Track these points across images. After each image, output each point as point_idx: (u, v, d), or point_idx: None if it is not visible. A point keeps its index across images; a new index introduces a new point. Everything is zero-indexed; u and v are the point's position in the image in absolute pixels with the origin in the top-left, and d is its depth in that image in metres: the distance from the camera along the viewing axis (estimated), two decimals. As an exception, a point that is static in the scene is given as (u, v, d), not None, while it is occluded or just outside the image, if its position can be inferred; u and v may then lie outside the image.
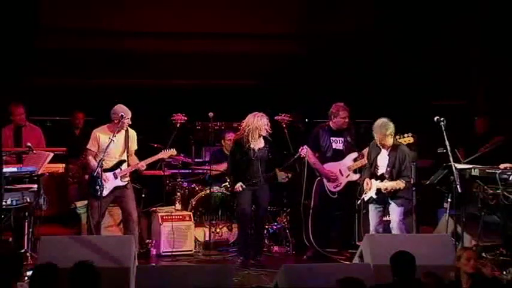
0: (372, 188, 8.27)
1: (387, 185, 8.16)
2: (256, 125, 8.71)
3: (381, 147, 8.30)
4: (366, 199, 8.39)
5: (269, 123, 8.84)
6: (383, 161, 8.30)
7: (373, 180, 8.28)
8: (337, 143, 9.31)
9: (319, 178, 9.25)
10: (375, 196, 8.27)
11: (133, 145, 8.68)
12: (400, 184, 8.12)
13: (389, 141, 8.24)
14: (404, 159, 8.20)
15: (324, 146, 9.28)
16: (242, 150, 8.77)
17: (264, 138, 8.79)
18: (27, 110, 9.82)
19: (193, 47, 11.67)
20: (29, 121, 9.87)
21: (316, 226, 9.23)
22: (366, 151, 8.86)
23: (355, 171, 9.21)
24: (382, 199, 8.28)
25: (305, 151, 9.11)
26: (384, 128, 8.18)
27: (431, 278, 5.62)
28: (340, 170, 9.24)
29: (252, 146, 8.74)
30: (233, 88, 11.75)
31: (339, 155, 9.28)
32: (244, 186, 8.75)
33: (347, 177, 9.23)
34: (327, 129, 9.33)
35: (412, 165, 8.37)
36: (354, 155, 9.27)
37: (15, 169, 8.23)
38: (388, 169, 8.20)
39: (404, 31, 11.57)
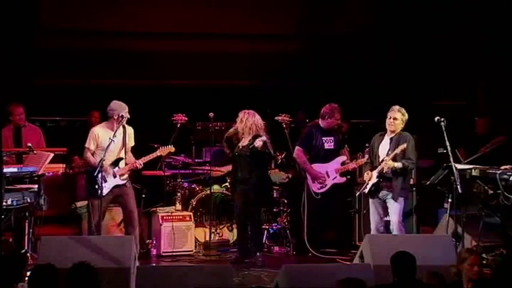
0: (372, 177, 8.25)
1: (386, 161, 8.13)
2: (251, 122, 8.78)
3: (388, 129, 8.27)
4: (366, 191, 8.37)
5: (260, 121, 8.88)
6: (384, 148, 8.29)
7: (373, 171, 8.28)
8: (329, 143, 9.37)
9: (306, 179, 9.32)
10: (375, 180, 8.23)
11: (131, 142, 8.66)
12: (398, 163, 8.10)
13: (398, 126, 8.24)
14: (407, 142, 8.19)
15: (317, 146, 9.31)
16: (231, 146, 8.96)
17: (256, 136, 8.77)
18: (27, 110, 9.80)
19: (193, 47, 11.67)
20: (29, 121, 9.85)
21: (311, 228, 9.26)
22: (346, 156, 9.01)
23: (341, 175, 9.28)
24: (384, 189, 8.25)
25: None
26: (401, 112, 8.22)
27: (435, 278, 5.60)
28: (327, 172, 9.29)
29: (239, 143, 8.83)
30: (233, 88, 11.75)
31: (330, 155, 9.34)
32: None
33: (333, 179, 9.28)
34: (317, 128, 9.36)
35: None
36: (343, 158, 9.36)
37: (15, 169, 8.22)
38: (390, 152, 8.17)
39: (404, 31, 11.57)
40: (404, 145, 8.09)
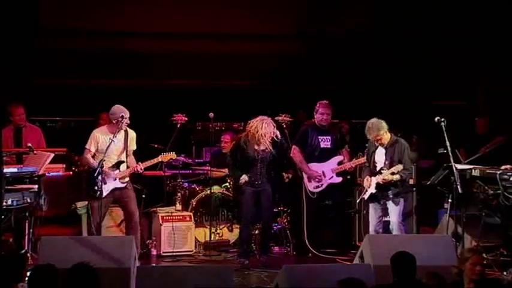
0: (371, 184, 8.27)
1: (383, 176, 8.14)
2: (262, 132, 8.61)
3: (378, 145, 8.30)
4: (366, 197, 8.39)
5: (275, 131, 8.75)
6: (381, 156, 8.30)
7: (372, 177, 8.28)
8: (325, 142, 9.36)
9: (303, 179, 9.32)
10: (374, 191, 8.25)
11: (132, 145, 8.66)
12: (395, 175, 8.11)
13: (385, 138, 8.23)
14: (403, 152, 8.19)
15: (312, 145, 9.31)
16: (243, 151, 8.74)
17: (274, 140, 8.73)
18: (27, 110, 9.80)
19: (193, 47, 11.68)
20: (29, 121, 9.85)
21: (310, 228, 9.26)
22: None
23: (337, 174, 9.28)
24: (382, 198, 8.27)
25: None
26: (375, 129, 8.18)
27: (435, 279, 5.60)
28: (323, 172, 9.28)
29: (256, 147, 8.69)
30: (233, 88, 11.76)
31: (326, 154, 9.33)
32: (247, 178, 8.71)
33: (330, 179, 9.28)
34: (314, 127, 9.36)
35: (411, 157, 8.41)
36: (339, 158, 9.36)
37: (15, 169, 8.22)
38: (387, 162, 8.18)
39: (404, 31, 11.58)
40: (400, 166, 8.08)
